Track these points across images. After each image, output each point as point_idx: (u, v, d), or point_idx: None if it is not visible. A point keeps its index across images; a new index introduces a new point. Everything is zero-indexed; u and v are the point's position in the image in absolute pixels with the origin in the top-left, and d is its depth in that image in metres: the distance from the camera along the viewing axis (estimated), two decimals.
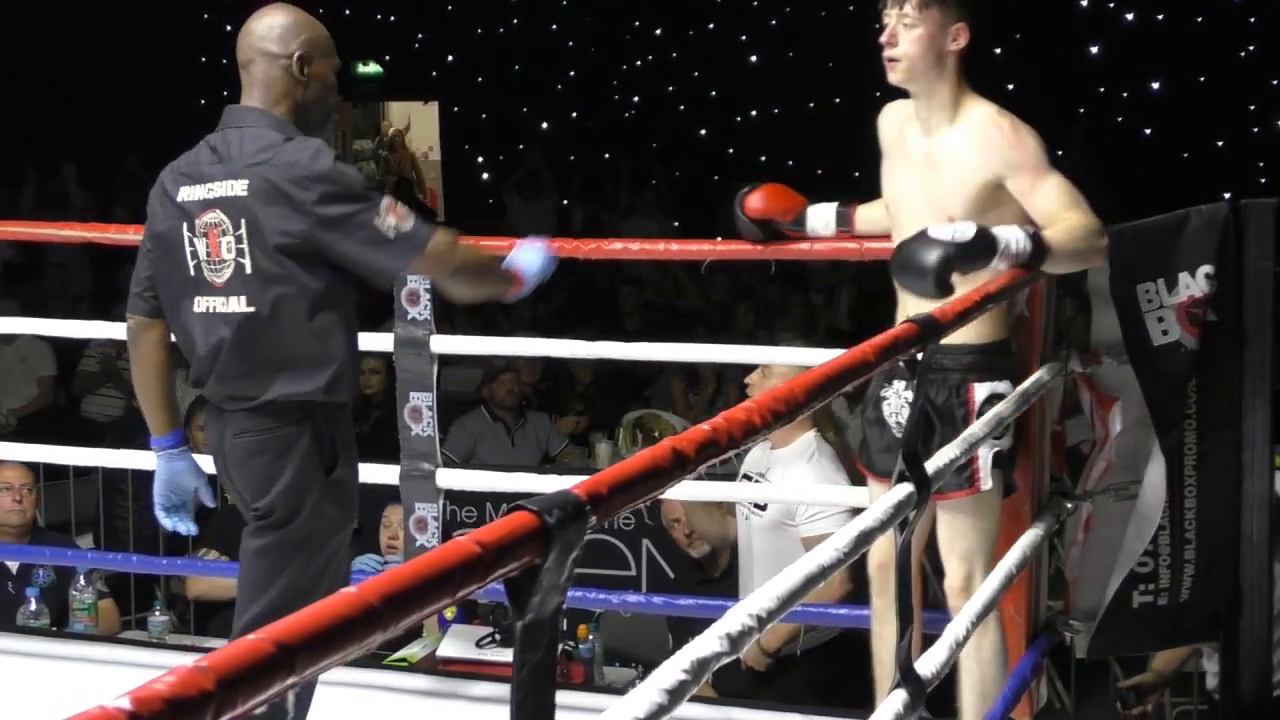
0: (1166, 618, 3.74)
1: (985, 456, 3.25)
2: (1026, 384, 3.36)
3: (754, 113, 16.05)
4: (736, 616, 1.68)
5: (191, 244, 3.08)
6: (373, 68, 17.58)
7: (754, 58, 15.66)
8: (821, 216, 3.74)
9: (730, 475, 4.89)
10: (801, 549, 4.42)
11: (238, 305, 3.03)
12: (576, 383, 8.31)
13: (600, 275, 10.68)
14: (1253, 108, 14.35)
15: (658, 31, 15.86)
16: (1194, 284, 3.56)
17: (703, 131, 16.13)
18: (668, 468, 1.56)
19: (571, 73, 16.14)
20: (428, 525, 4.29)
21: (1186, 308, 3.56)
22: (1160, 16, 14.65)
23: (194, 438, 7.02)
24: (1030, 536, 3.44)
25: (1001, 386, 3.31)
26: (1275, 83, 14.00)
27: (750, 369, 4.78)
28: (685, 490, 4.24)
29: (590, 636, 4.89)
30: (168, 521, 3.40)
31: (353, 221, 2.96)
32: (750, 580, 4.73)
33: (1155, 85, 14.62)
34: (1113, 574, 3.69)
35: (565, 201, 14.09)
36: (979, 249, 3.06)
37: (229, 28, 14.74)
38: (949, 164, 3.29)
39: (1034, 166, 3.23)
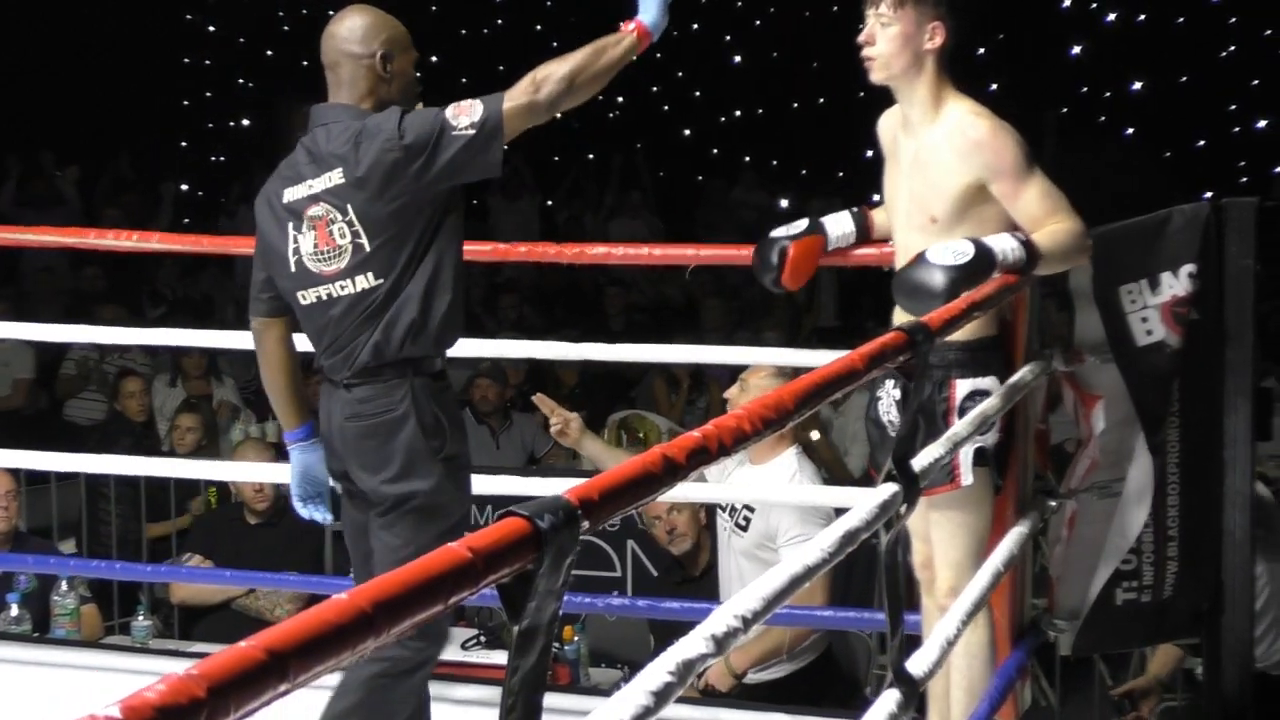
0: (1150, 615, 3.76)
1: (965, 452, 3.26)
2: (1012, 380, 3.37)
3: (738, 113, 16.06)
4: (722, 617, 1.68)
5: (295, 241, 3.25)
6: None
7: (738, 58, 15.68)
8: (840, 228, 3.71)
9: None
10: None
11: (364, 283, 3.20)
12: (562, 384, 8.32)
13: (586, 276, 10.68)
14: (1233, 107, 14.39)
15: None
16: (1177, 283, 3.58)
17: (687, 131, 16.13)
18: (659, 474, 1.57)
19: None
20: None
21: (1170, 307, 3.57)
22: (1141, 17, 14.69)
23: (174, 439, 7.02)
24: (1015, 535, 3.45)
25: (985, 383, 3.31)
26: (1255, 83, 14.04)
27: (736, 369, 4.79)
28: (674, 493, 4.24)
29: (575, 638, 4.89)
30: (305, 511, 3.52)
31: (439, 146, 3.13)
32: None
33: (1136, 85, 14.65)
34: (1097, 572, 3.71)
35: (549, 202, 14.07)
36: (981, 266, 3.09)
37: (211, 28, 14.69)
38: (932, 164, 3.31)
39: (1016, 170, 3.25)
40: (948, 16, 3.32)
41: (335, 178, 3.19)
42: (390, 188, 3.15)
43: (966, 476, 3.28)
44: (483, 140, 3.14)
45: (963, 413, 3.24)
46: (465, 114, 3.15)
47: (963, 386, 3.30)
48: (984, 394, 3.29)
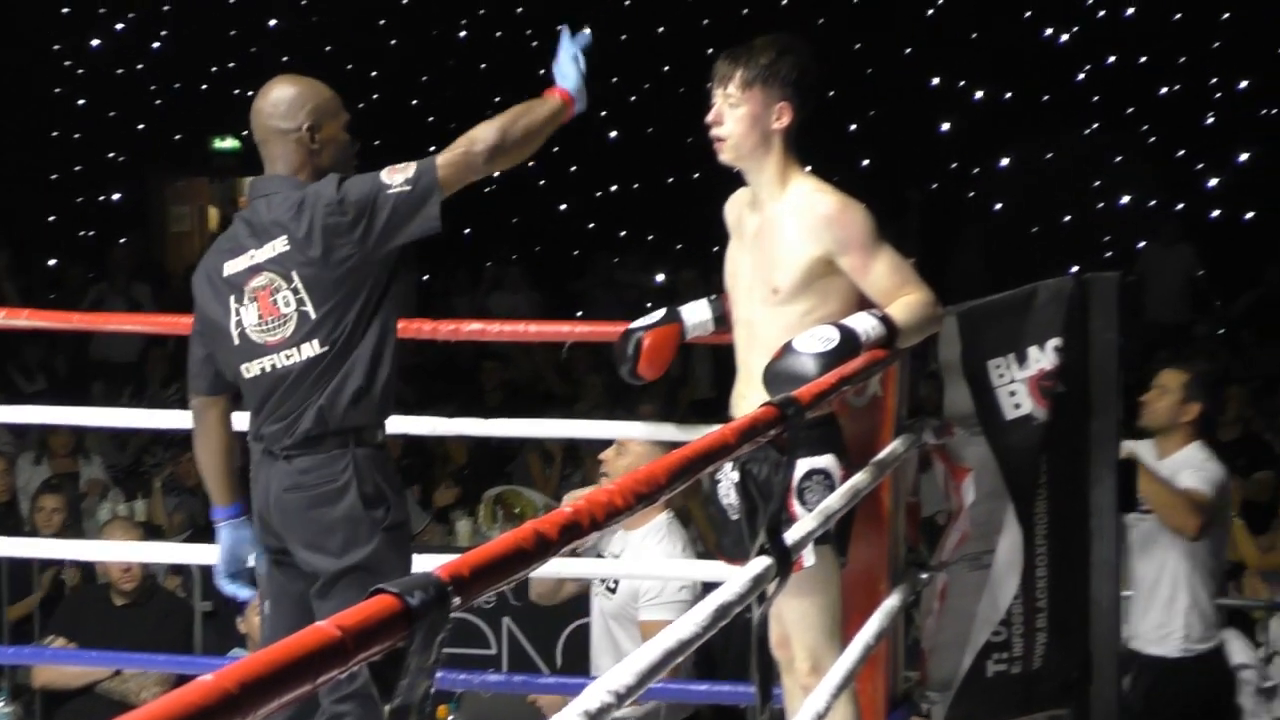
0: (1020, 686, 3.80)
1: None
2: (881, 455, 3.40)
3: (614, 188, 16.15)
4: (595, 694, 1.68)
5: (238, 314, 3.24)
6: (230, 142, 17.45)
7: (613, 133, 15.78)
8: (697, 316, 3.72)
9: None
10: (639, 634, 4.44)
11: (310, 351, 3.20)
12: (451, 461, 8.28)
13: (463, 352, 10.65)
14: (1097, 184, 14.72)
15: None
16: (1043, 356, 3.64)
17: (563, 206, 16.20)
18: (531, 550, 1.56)
19: (432, 148, 16.06)
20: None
21: (1037, 380, 3.63)
22: (1008, 95, 15.01)
23: (37, 520, 6.87)
24: (887, 608, 3.47)
25: (823, 461, 3.30)
26: (1117, 160, 14.38)
27: (611, 443, 4.79)
28: (546, 569, 4.23)
29: (450, 716, 4.84)
30: (230, 588, 3.50)
31: (376, 204, 3.16)
32: (600, 665, 4.70)
33: (1004, 161, 14.95)
34: (968, 643, 3.74)
35: (425, 277, 14.04)
36: (848, 348, 3.12)
37: (80, 101, 14.46)
38: (777, 239, 3.35)
39: (864, 245, 3.29)
40: (794, 96, 3.36)
41: (279, 245, 3.20)
42: (335, 252, 3.17)
43: (808, 558, 3.23)
44: (419, 196, 3.17)
45: (800, 492, 3.25)
46: (400, 173, 3.19)
47: (800, 466, 3.25)
48: (822, 472, 3.29)
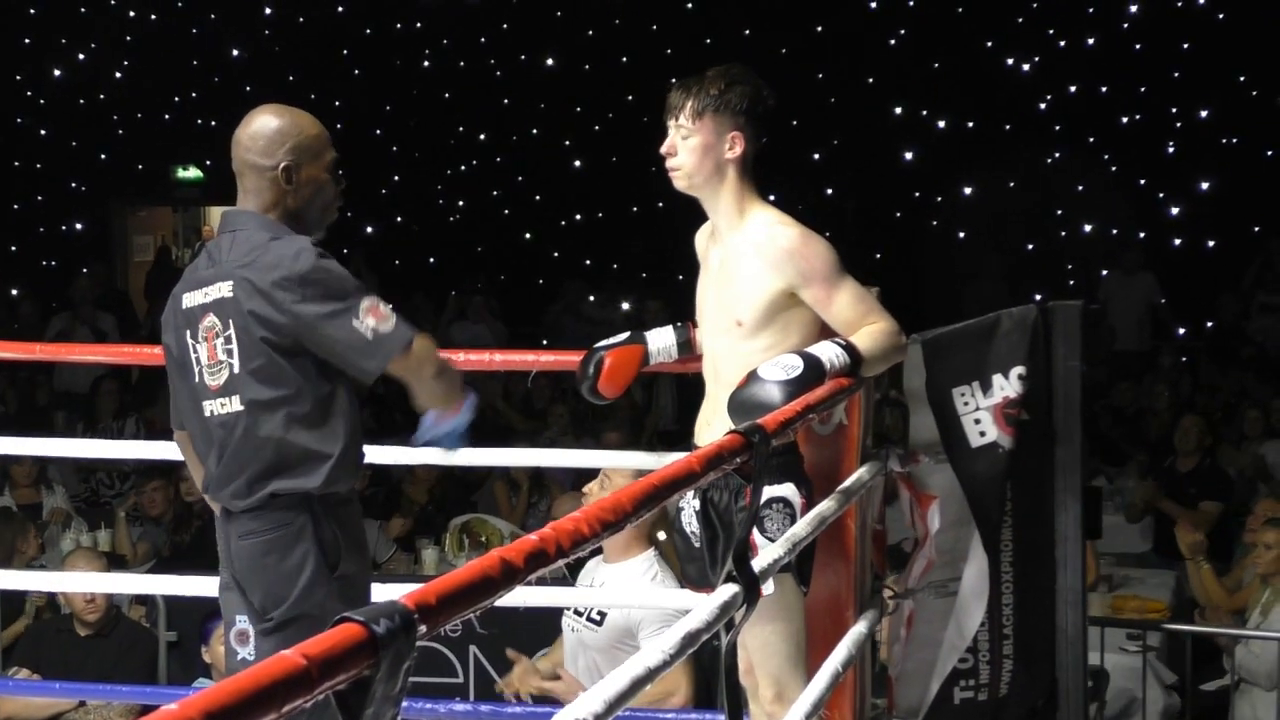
0: (986, 713, 3.80)
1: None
2: (846, 483, 3.40)
3: (578, 216, 16.17)
4: None
5: (195, 350, 3.15)
6: (193, 172, 17.42)
7: (577, 162, 15.81)
8: (661, 341, 3.73)
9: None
10: None
11: (234, 405, 3.09)
12: (417, 490, 8.25)
13: None
14: (1059, 212, 14.81)
15: (482, 136, 15.96)
16: (1008, 385, 3.65)
17: (528, 235, 16.20)
18: (497, 578, 1.56)
19: (396, 177, 16.13)
20: (249, 638, 4.19)
21: (1002, 408, 3.65)
22: (970, 124, 15.09)
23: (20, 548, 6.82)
24: (854, 635, 3.48)
25: (783, 490, 3.32)
26: (1079, 188, 14.47)
27: (577, 471, 4.79)
28: (515, 597, 4.22)
29: None
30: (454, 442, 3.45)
31: (332, 322, 3.01)
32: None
33: (967, 190, 15.03)
34: (935, 670, 3.74)
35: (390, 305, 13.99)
36: (812, 376, 3.13)
37: (43, 132, 14.44)
38: (738, 271, 3.37)
39: (826, 277, 3.31)
40: (747, 126, 3.38)
41: (225, 290, 3.09)
42: (267, 325, 3.05)
43: (768, 586, 3.25)
44: (372, 348, 3.03)
45: (760, 520, 3.25)
46: (376, 316, 3.03)
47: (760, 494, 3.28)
48: (781, 500, 3.30)
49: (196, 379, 3.16)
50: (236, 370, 3.08)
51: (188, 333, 3.17)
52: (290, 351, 3.06)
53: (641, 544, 4.70)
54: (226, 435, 3.12)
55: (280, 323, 3.03)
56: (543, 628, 5.31)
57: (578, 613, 4.79)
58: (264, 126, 3.18)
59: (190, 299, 3.17)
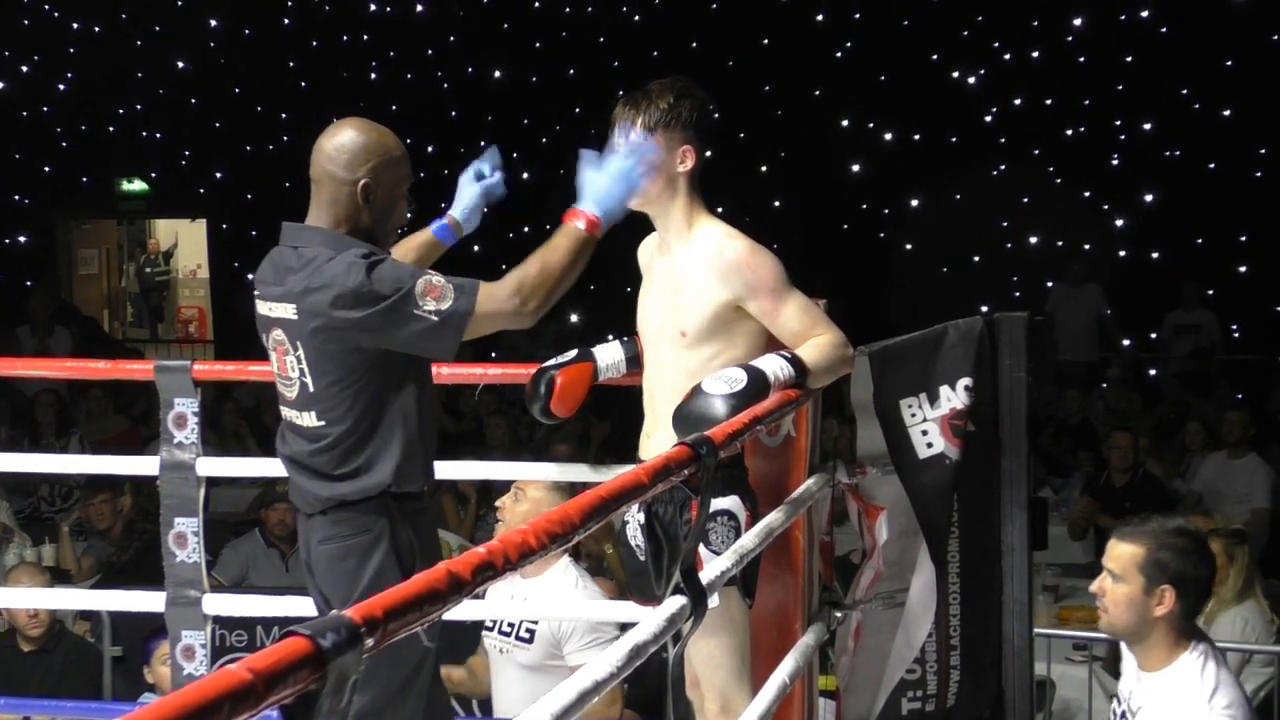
0: None
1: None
2: (794, 495, 3.41)
3: (526, 229, 16.15)
4: None
5: (271, 357, 3.22)
6: (138, 185, 17.30)
7: (525, 174, 15.80)
8: (610, 356, 3.73)
9: None
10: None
11: (310, 420, 3.13)
12: None
13: None
14: (1005, 224, 14.88)
15: (429, 149, 15.93)
16: (954, 396, 3.67)
17: (475, 248, 16.16)
18: (444, 590, 1.56)
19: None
20: (195, 653, 4.17)
21: (948, 420, 3.66)
22: (916, 136, 15.17)
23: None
24: (801, 647, 3.48)
25: (727, 503, 3.32)
26: (1025, 200, 14.55)
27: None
28: (460, 611, 4.21)
29: None
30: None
31: (396, 319, 3.02)
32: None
33: (914, 202, 15.10)
34: (882, 682, 3.75)
35: None
36: (755, 389, 3.13)
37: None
38: (685, 283, 3.37)
39: (773, 289, 3.32)
40: (696, 139, 3.38)
41: (289, 312, 3.11)
42: (335, 341, 3.07)
43: (714, 599, 3.25)
44: (440, 328, 3.03)
45: (705, 533, 3.25)
46: (434, 296, 3.03)
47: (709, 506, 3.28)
48: (726, 514, 3.30)
49: (276, 382, 3.23)
50: (310, 389, 3.12)
51: (264, 336, 3.23)
52: (359, 363, 3.10)
53: (555, 554, 4.68)
54: (303, 444, 3.17)
55: (346, 337, 3.07)
56: (472, 639, 5.28)
57: (504, 632, 4.75)
58: (350, 140, 3.17)
59: (261, 306, 3.22)
